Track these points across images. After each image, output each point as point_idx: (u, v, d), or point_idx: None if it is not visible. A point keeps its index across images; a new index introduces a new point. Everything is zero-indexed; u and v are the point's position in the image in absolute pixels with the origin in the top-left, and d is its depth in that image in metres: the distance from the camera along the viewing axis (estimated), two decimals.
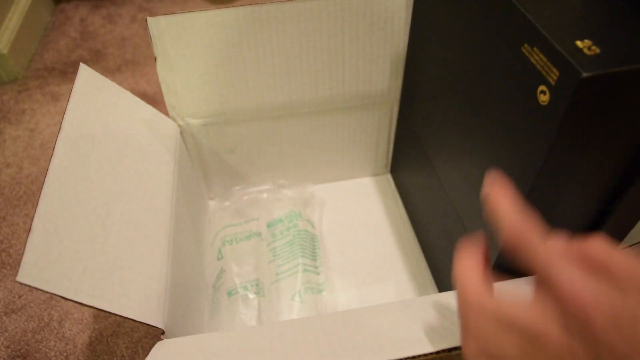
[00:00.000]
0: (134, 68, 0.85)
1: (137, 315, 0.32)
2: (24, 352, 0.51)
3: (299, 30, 0.45)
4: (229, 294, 0.49)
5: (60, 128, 0.36)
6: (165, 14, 0.43)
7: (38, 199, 0.31)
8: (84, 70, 0.41)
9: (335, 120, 0.54)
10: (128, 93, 0.45)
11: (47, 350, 0.51)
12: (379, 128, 0.57)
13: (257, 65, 0.47)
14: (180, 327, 0.38)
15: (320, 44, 0.47)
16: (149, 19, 0.43)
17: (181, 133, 0.50)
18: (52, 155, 0.34)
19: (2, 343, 0.52)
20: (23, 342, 0.52)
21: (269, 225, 0.55)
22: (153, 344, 0.51)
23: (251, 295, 0.49)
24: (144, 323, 0.33)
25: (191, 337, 0.34)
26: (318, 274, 0.52)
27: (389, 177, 0.63)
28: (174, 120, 0.50)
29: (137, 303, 0.33)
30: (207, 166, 0.56)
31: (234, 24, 0.44)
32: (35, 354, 0.51)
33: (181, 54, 0.45)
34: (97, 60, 0.86)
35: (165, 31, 0.43)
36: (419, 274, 0.53)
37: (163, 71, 0.46)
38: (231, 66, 0.47)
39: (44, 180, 0.32)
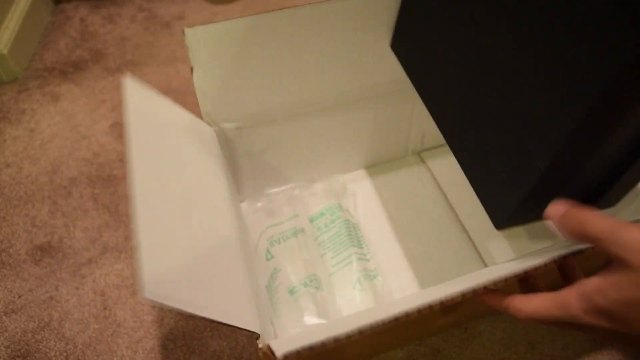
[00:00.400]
0: (133, 68, 0.84)
1: (241, 323, 0.32)
2: (24, 352, 0.51)
3: (334, 28, 0.47)
4: (291, 292, 0.49)
5: (129, 146, 0.36)
6: (202, 24, 0.43)
7: (133, 214, 0.31)
8: (130, 83, 0.42)
9: (363, 108, 0.56)
10: (169, 101, 0.46)
11: (47, 350, 0.51)
12: (412, 115, 0.59)
13: (290, 65, 0.49)
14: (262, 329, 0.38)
15: (353, 40, 0.49)
16: (187, 30, 0.43)
17: (218, 137, 0.51)
18: (131, 172, 0.34)
19: (2, 343, 0.52)
20: (23, 342, 0.52)
21: (311, 220, 0.56)
22: (154, 344, 0.51)
23: (313, 290, 0.49)
24: (246, 330, 0.32)
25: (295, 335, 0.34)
26: (368, 260, 0.53)
27: (417, 157, 0.65)
28: (210, 125, 0.51)
29: (237, 310, 0.33)
30: (238, 169, 0.56)
31: (270, 28, 0.45)
32: (35, 354, 0.51)
33: (216, 62, 0.46)
34: (97, 60, 0.86)
35: (202, 41, 0.44)
36: (460, 249, 0.55)
37: (199, 80, 0.47)
38: (265, 69, 0.48)
39: (133, 194, 0.33)
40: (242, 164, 0.56)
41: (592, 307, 0.28)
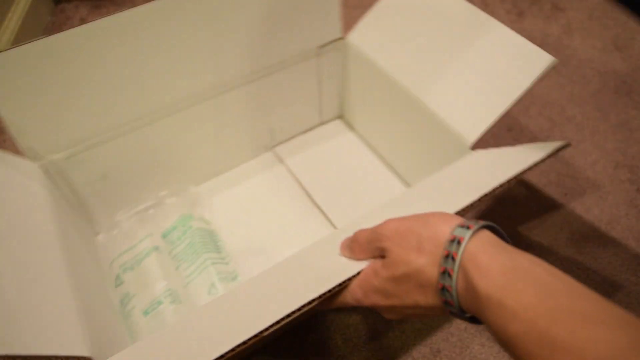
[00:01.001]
0: None
1: (59, 350, 0.31)
2: None
3: (142, 36, 0.45)
4: (145, 313, 0.48)
5: None
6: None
7: None
8: None
9: (199, 114, 0.54)
10: None
11: None
12: (254, 112, 0.58)
13: (105, 81, 0.46)
14: (108, 354, 0.37)
15: (169, 44, 0.47)
16: None
17: (46, 172, 0.48)
18: None
19: None
20: None
21: (164, 236, 0.54)
22: None
23: (169, 306, 0.48)
24: (70, 356, 0.32)
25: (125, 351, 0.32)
26: (227, 264, 0.53)
27: (270, 154, 0.65)
28: (35, 161, 0.47)
29: (53, 339, 0.32)
30: (83, 201, 0.53)
31: (72, 47, 0.43)
32: None
33: (23, 91, 0.42)
34: None
35: (2, 72, 0.40)
36: (317, 228, 0.57)
37: (10, 115, 0.43)
38: (79, 89, 0.45)
39: None
40: (86, 194, 0.52)
41: (370, 287, 0.33)
